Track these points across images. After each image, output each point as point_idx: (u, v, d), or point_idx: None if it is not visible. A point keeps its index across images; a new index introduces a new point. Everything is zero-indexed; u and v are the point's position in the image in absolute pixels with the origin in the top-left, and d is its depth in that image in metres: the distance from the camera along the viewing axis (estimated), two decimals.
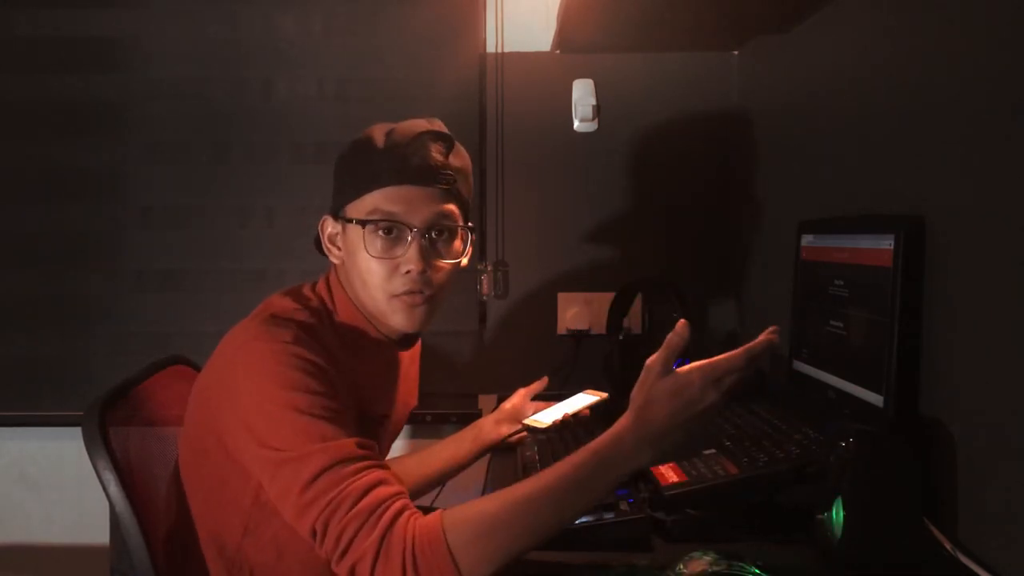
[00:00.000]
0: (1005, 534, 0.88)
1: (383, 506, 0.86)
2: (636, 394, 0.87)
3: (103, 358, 1.88)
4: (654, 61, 1.88)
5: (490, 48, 1.88)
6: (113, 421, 1.09)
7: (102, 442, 1.04)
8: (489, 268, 1.87)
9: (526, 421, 1.30)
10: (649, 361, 0.87)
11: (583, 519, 0.98)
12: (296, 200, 1.87)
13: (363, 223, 1.02)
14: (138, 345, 1.88)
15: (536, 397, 1.40)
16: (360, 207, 1.03)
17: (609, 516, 0.98)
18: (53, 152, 1.88)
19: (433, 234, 1.04)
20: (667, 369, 0.86)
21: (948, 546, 0.92)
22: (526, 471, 1.19)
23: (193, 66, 1.88)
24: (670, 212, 1.90)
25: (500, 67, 1.87)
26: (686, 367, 0.86)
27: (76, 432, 1.06)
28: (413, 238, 1.02)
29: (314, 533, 0.87)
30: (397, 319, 1.05)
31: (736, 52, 1.88)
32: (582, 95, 1.86)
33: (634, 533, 0.98)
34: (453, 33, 1.88)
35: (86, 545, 1.94)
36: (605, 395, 1.39)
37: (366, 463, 0.89)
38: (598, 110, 1.87)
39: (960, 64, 0.97)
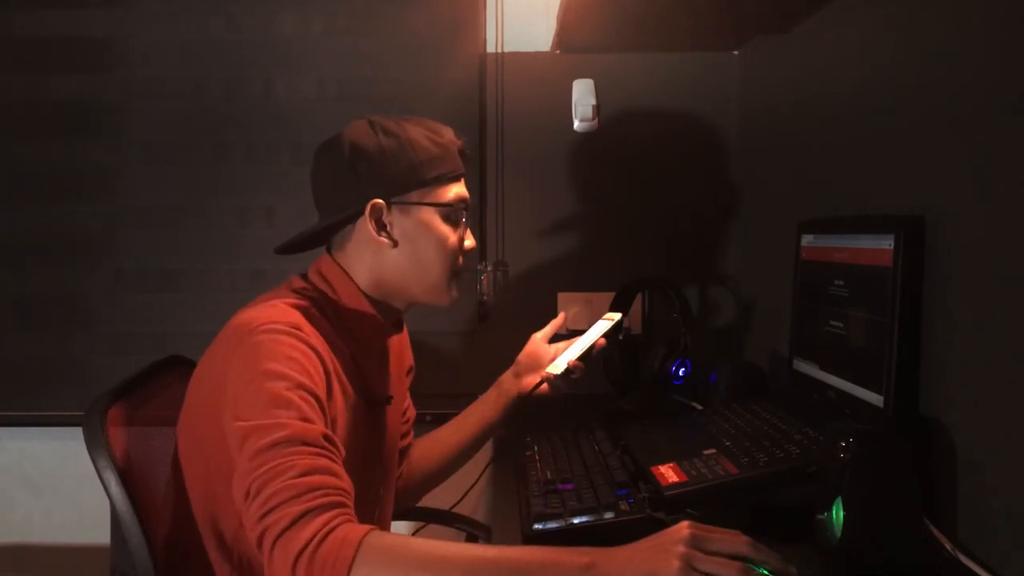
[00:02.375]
0: (1005, 534, 0.88)
1: (323, 490, 0.85)
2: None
3: (103, 358, 1.89)
4: (654, 61, 1.88)
5: (490, 48, 1.88)
6: (114, 421, 1.09)
7: (103, 442, 1.04)
8: (489, 268, 1.87)
9: (546, 371, 1.32)
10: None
11: (583, 519, 0.98)
12: (296, 200, 1.87)
13: (449, 206, 1.14)
14: (138, 345, 1.88)
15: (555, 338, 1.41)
16: (437, 193, 1.13)
17: (609, 516, 0.98)
18: (53, 152, 1.88)
19: None
20: None
21: (948, 546, 0.92)
22: (525, 471, 1.19)
23: (193, 66, 1.88)
24: (670, 212, 1.90)
25: (500, 67, 1.87)
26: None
27: (76, 432, 1.06)
28: (467, 220, 1.18)
29: (248, 493, 0.86)
30: (450, 295, 1.17)
31: (736, 52, 1.88)
32: (582, 95, 1.86)
33: (634, 533, 0.98)
34: (453, 33, 1.88)
35: (86, 545, 1.94)
36: (619, 316, 1.39)
37: (327, 451, 0.89)
38: (598, 110, 1.87)
39: (960, 64, 0.97)
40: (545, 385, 1.33)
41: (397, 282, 1.14)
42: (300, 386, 0.93)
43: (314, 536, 0.81)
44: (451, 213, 1.14)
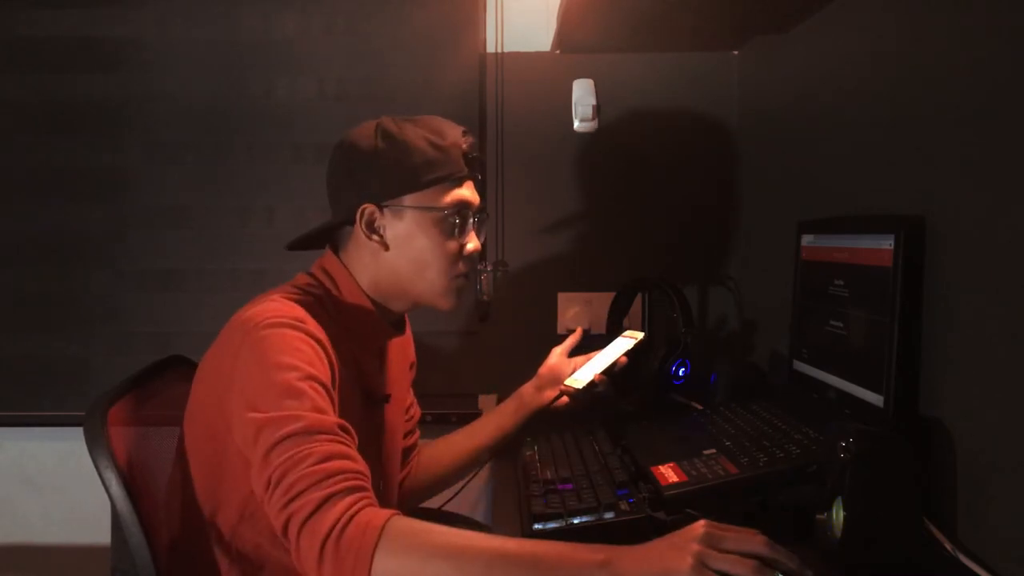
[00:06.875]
0: (1005, 534, 0.88)
1: (343, 475, 0.87)
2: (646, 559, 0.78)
3: (103, 358, 1.88)
4: (654, 61, 1.88)
5: (490, 48, 1.88)
6: (114, 421, 1.09)
7: (104, 441, 1.04)
8: (489, 268, 1.87)
9: (565, 384, 1.34)
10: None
11: (583, 519, 0.98)
12: (296, 200, 1.87)
13: (442, 210, 1.12)
14: (138, 345, 1.88)
15: (576, 350, 1.44)
16: (432, 197, 1.12)
17: (609, 516, 0.99)
18: (54, 152, 1.88)
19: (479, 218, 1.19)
20: None
21: (948, 546, 0.92)
22: (525, 471, 1.19)
23: (194, 66, 1.88)
24: (670, 212, 1.90)
25: (500, 67, 1.87)
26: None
27: (77, 432, 1.06)
28: (477, 223, 1.17)
29: (269, 483, 0.87)
30: (448, 299, 1.16)
31: (736, 52, 1.88)
32: (582, 95, 1.86)
33: (634, 533, 0.98)
34: (453, 33, 1.88)
35: (86, 545, 1.94)
36: (641, 335, 1.41)
37: (342, 438, 0.91)
38: (598, 110, 1.87)
39: (960, 64, 0.97)
40: (565, 398, 1.35)
41: (394, 284, 1.15)
42: (310, 377, 0.95)
43: (338, 520, 0.83)
44: (447, 217, 1.13)
